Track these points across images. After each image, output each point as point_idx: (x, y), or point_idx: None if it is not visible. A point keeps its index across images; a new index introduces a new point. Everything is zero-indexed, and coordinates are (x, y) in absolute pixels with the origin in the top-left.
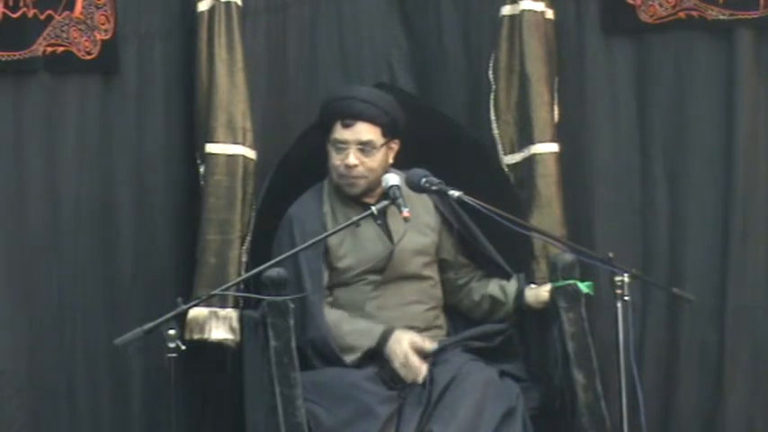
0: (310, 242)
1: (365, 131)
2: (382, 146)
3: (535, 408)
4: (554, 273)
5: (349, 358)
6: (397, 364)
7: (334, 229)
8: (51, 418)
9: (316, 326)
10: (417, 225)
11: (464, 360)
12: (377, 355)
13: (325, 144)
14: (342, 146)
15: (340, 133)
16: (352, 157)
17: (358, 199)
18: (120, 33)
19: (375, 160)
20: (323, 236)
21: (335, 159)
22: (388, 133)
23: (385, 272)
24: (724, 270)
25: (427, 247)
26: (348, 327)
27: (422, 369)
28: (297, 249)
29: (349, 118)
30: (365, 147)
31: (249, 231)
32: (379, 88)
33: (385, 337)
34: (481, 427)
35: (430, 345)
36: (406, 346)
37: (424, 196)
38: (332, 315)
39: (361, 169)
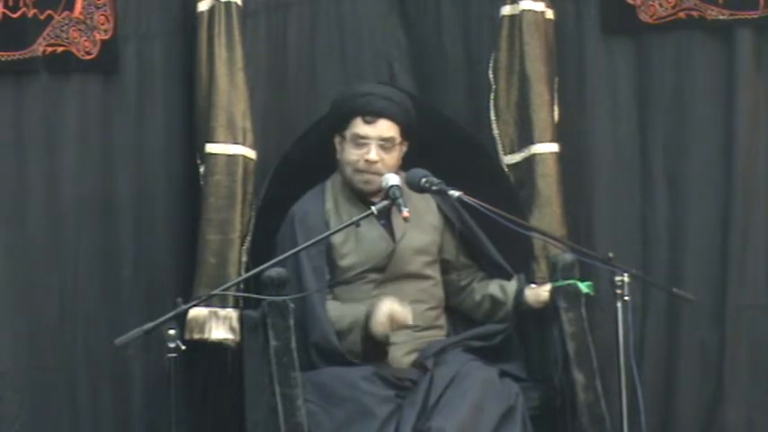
0: (313, 240)
1: (387, 128)
2: (399, 144)
3: (535, 408)
4: (554, 273)
5: (352, 337)
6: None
7: (335, 228)
8: (51, 417)
9: (318, 327)
10: (420, 224)
11: (464, 360)
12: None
13: (336, 138)
14: (362, 141)
15: (361, 129)
16: (374, 153)
17: (364, 197)
18: (120, 33)
19: (393, 158)
20: (324, 234)
21: (353, 155)
22: (405, 133)
23: (386, 270)
24: (724, 270)
25: (429, 246)
26: (338, 312)
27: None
28: (300, 248)
29: (371, 114)
30: (386, 143)
31: (249, 231)
32: None
33: (368, 315)
34: (480, 426)
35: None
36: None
37: (428, 196)
38: (329, 306)
39: (379, 165)
